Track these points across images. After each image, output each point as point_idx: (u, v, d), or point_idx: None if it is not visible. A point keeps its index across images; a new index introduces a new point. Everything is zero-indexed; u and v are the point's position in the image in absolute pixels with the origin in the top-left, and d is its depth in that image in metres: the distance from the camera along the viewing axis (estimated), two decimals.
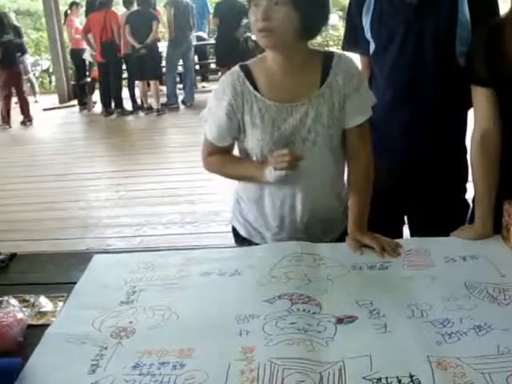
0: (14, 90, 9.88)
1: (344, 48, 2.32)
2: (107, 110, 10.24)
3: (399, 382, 1.20)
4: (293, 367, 1.25)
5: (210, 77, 12.42)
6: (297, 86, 1.82)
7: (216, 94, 1.88)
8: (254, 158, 1.88)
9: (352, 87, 1.82)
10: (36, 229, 4.97)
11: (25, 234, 4.82)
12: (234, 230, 2.13)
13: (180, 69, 10.65)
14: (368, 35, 2.16)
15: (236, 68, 1.87)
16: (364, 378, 1.22)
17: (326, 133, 1.82)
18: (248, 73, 1.84)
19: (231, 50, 9.92)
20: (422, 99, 2.11)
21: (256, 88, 1.82)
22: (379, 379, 1.21)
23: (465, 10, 2.01)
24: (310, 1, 1.71)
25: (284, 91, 1.82)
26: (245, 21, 10.12)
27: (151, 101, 10.11)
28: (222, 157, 1.95)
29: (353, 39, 2.26)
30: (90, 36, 9.91)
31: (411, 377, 1.20)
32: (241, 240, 2.09)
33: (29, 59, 12.86)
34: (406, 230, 2.44)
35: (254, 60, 1.90)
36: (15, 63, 9.69)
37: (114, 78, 10.08)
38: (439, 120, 2.13)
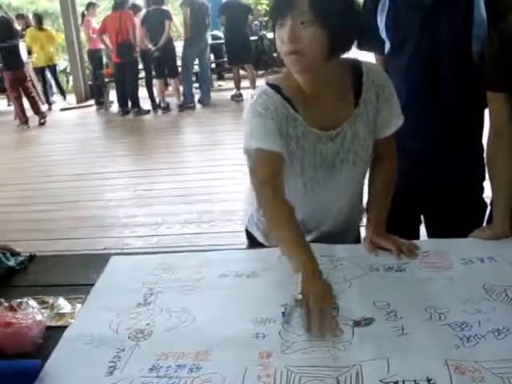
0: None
1: (358, 47, 2.30)
2: (124, 109, 10.30)
3: None
4: (310, 375, 1.25)
5: (226, 75, 12.45)
6: (334, 109, 1.75)
7: (259, 113, 1.69)
8: (294, 185, 1.80)
9: (384, 100, 1.78)
10: (55, 228, 5.00)
11: (44, 233, 4.87)
12: (249, 234, 2.11)
13: (196, 68, 10.68)
14: (383, 34, 2.15)
15: (268, 89, 1.73)
16: (381, 381, 1.21)
17: (363, 150, 1.80)
18: (283, 95, 1.71)
19: (241, 48, 9.96)
20: (438, 99, 2.09)
21: (296, 111, 1.72)
22: (396, 382, 1.20)
23: (481, 9, 1.99)
24: (339, 17, 1.55)
25: (324, 116, 1.74)
26: (250, 17, 10.21)
27: (169, 100, 10.16)
28: (285, 213, 1.64)
29: (367, 38, 2.24)
30: (105, 36, 10.00)
31: (429, 380, 1.20)
32: (256, 244, 2.06)
33: None
34: (422, 229, 2.43)
35: (281, 79, 1.76)
36: (19, 65, 9.85)
37: (130, 77, 10.14)
38: (455, 119, 2.12)
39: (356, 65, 1.76)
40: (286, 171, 1.74)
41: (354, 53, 1.82)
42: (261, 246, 2.02)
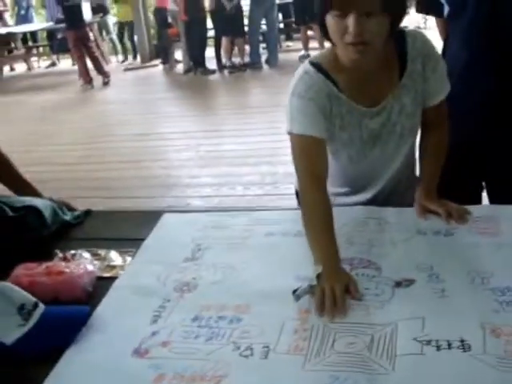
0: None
1: (418, 11, 2.27)
2: (189, 69, 10.32)
3: (449, 345, 1.19)
4: (345, 331, 1.28)
5: (295, 36, 12.26)
6: (379, 82, 1.70)
7: (298, 94, 1.67)
8: (340, 157, 1.80)
9: (430, 69, 1.73)
10: (117, 187, 5.10)
11: (107, 191, 4.97)
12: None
13: (263, 27, 10.55)
14: None
15: (309, 68, 1.69)
16: (414, 339, 1.22)
17: (410, 121, 1.77)
18: (325, 73, 1.68)
19: (309, 8, 9.77)
20: (500, 61, 2.04)
21: (339, 89, 1.69)
22: (429, 341, 1.21)
23: None
24: (399, 1, 1.58)
25: (368, 91, 1.70)
26: None
27: (235, 60, 10.13)
28: (319, 208, 1.62)
29: (427, 2, 2.21)
30: None
31: (462, 341, 1.20)
32: None
33: (111, 19, 13.04)
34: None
35: (324, 56, 1.72)
36: (80, 25, 9.97)
37: (199, 36, 10.09)
38: None
39: (400, 33, 1.69)
40: (332, 146, 1.75)
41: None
42: None
